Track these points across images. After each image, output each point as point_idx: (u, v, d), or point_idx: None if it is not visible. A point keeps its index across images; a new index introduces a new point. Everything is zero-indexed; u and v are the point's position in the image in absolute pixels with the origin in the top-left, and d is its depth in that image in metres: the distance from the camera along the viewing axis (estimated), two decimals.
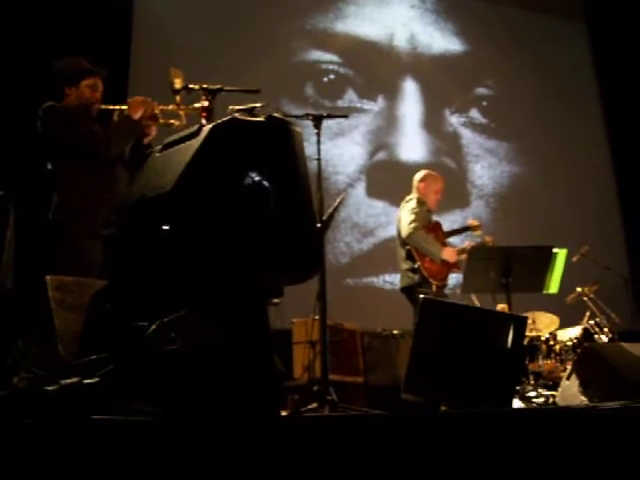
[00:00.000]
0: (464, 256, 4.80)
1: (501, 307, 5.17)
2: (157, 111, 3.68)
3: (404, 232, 4.94)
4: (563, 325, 5.95)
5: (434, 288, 4.87)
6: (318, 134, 3.67)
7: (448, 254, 4.92)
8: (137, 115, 3.61)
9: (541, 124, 8.45)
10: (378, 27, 8.11)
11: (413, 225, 4.89)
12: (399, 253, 5.09)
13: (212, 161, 2.03)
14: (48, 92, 3.69)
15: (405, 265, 5.00)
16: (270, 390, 2.02)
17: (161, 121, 3.71)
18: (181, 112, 3.67)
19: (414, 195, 5.20)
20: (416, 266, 4.90)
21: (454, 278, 5.18)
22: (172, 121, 3.70)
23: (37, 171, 3.79)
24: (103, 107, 3.71)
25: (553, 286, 4.79)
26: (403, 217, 5.02)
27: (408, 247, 4.96)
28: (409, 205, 5.07)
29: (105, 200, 3.50)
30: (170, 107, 3.69)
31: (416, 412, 2.96)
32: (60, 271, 3.09)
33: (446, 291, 5.08)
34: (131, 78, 6.44)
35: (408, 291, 4.97)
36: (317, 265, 2.75)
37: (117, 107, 3.69)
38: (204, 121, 3.60)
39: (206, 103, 3.57)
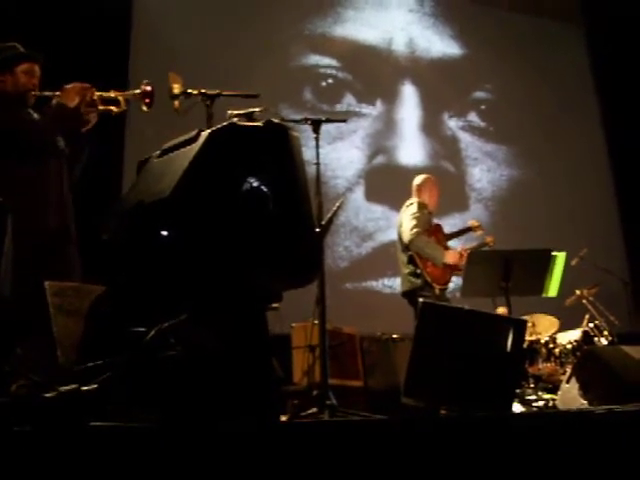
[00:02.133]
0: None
1: (501, 311, 5.17)
2: (95, 98, 3.49)
3: (406, 238, 4.93)
4: (563, 328, 5.95)
5: (437, 292, 4.87)
6: (317, 138, 3.67)
7: (450, 257, 4.91)
8: (72, 103, 3.41)
9: (539, 127, 8.46)
10: (376, 31, 8.12)
11: (415, 230, 4.88)
12: (400, 258, 5.08)
13: (211, 166, 2.03)
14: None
15: (407, 269, 4.99)
16: (269, 395, 2.02)
17: (100, 107, 3.52)
18: (120, 98, 3.53)
19: (415, 199, 5.20)
20: (418, 271, 4.89)
21: (453, 282, 5.18)
22: (111, 107, 3.54)
23: None
24: (38, 94, 3.48)
25: (552, 289, 4.79)
26: (405, 222, 5.01)
27: (410, 252, 4.95)
28: (410, 210, 5.05)
29: (34, 195, 3.33)
30: (110, 93, 3.54)
31: (416, 416, 2.96)
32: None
33: (447, 295, 5.08)
34: (130, 82, 6.44)
35: (410, 295, 4.96)
36: (316, 269, 2.76)
37: (56, 93, 3.48)
38: (145, 108, 3.51)
39: (149, 88, 3.50)
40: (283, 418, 2.82)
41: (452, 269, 4.99)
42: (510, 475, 1.85)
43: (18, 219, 3.26)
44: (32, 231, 3.27)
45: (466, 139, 8.24)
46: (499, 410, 2.95)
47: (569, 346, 5.55)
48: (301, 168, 2.15)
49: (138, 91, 3.52)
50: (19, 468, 1.34)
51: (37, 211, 3.35)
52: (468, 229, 5.57)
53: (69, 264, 3.40)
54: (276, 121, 2.18)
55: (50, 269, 3.06)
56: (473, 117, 8.34)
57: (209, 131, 2.10)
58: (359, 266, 7.18)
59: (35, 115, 3.49)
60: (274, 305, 2.76)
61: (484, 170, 8.24)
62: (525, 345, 5.30)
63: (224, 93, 3.48)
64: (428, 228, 5.06)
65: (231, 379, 1.87)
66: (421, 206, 5.08)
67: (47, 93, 3.53)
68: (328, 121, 3.82)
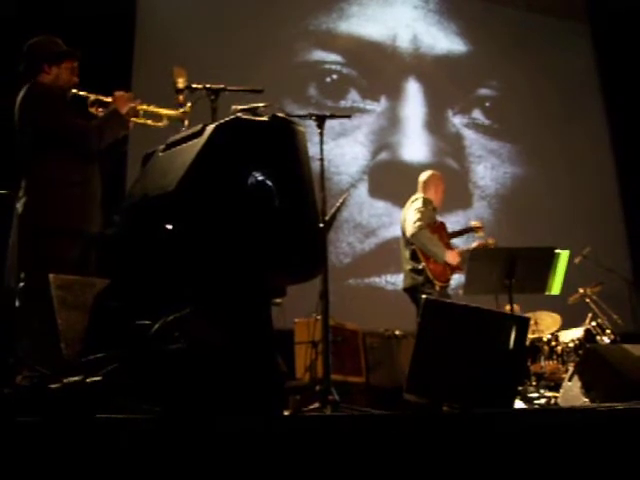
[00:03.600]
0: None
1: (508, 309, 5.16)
2: (139, 108, 3.65)
3: (409, 231, 4.93)
4: (565, 326, 5.95)
5: (437, 288, 4.87)
6: (321, 134, 3.67)
7: (451, 257, 4.92)
8: (124, 110, 3.55)
9: (544, 125, 8.44)
10: (381, 27, 8.11)
11: (418, 224, 4.88)
12: (403, 253, 5.09)
13: (216, 161, 2.03)
14: None
15: (409, 265, 5.00)
16: (272, 390, 2.02)
17: (141, 120, 3.67)
18: (164, 114, 3.66)
19: (420, 194, 5.20)
20: (420, 267, 4.90)
21: (456, 279, 5.18)
22: (149, 121, 3.68)
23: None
24: (79, 93, 3.59)
25: (555, 287, 4.79)
26: (409, 216, 5.02)
27: (413, 247, 4.96)
28: (415, 204, 5.06)
29: (81, 195, 3.42)
30: (151, 107, 3.68)
31: (418, 412, 2.96)
32: (34, 269, 3.06)
33: (448, 292, 5.08)
34: (134, 77, 6.44)
35: (411, 291, 4.96)
36: (320, 265, 2.76)
37: (91, 95, 3.60)
38: (186, 122, 3.60)
39: (182, 109, 3.58)
40: (286, 413, 2.82)
41: (453, 267, 5.00)
42: (512, 472, 1.85)
43: (66, 218, 3.32)
44: (78, 233, 3.34)
45: (470, 136, 8.23)
46: (501, 407, 2.95)
47: (571, 344, 5.56)
48: (306, 163, 2.15)
49: (182, 110, 3.62)
50: (24, 459, 1.35)
51: (85, 215, 3.45)
52: (470, 229, 5.58)
53: (92, 266, 3.45)
54: (282, 116, 2.18)
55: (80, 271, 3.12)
56: (477, 114, 8.33)
57: (214, 125, 2.10)
58: (362, 262, 7.18)
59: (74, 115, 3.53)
60: (277, 300, 2.76)
61: (488, 167, 8.23)
62: (527, 343, 5.30)
63: (228, 88, 3.48)
64: (432, 224, 5.06)
65: (235, 373, 1.87)
66: (426, 202, 5.09)
67: (84, 93, 3.61)
68: (332, 117, 3.82)
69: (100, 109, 3.61)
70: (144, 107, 3.67)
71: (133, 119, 3.64)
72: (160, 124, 3.68)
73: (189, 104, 3.59)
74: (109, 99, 3.60)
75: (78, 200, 3.41)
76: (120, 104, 3.55)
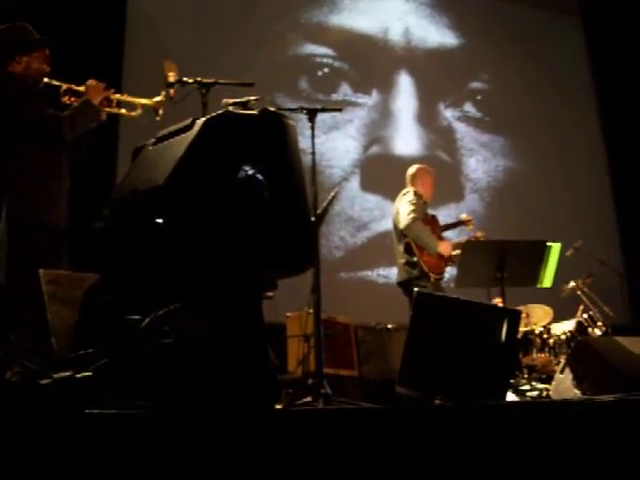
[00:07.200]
0: (459, 250, 4.81)
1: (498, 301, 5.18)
2: (112, 98, 3.59)
3: (402, 223, 4.93)
4: (557, 319, 5.97)
5: (432, 281, 4.88)
6: (312, 128, 3.65)
7: (444, 248, 4.93)
8: (97, 100, 3.47)
9: (536, 118, 8.45)
10: (372, 21, 8.09)
11: (412, 216, 4.88)
12: (396, 247, 5.08)
13: (206, 154, 2.02)
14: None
15: (403, 259, 4.99)
16: (264, 384, 2.02)
17: (115, 109, 3.61)
18: (136, 102, 3.62)
19: (410, 188, 5.20)
20: (414, 260, 4.90)
21: (448, 272, 5.19)
22: (123, 110, 3.64)
23: None
24: (52, 82, 3.50)
25: (547, 280, 4.79)
26: (401, 209, 5.02)
27: (406, 240, 4.96)
28: (407, 197, 5.06)
29: (54, 189, 3.37)
30: (124, 97, 3.63)
31: (410, 405, 2.97)
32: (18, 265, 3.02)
33: (442, 284, 5.09)
34: (125, 71, 6.41)
35: (405, 285, 4.96)
36: (311, 259, 2.76)
37: (64, 84, 3.52)
38: (160, 111, 3.58)
39: (158, 98, 3.57)
40: (278, 407, 2.82)
41: (446, 260, 5.01)
42: (504, 464, 1.86)
43: (41, 212, 3.26)
44: (48, 226, 3.29)
45: (462, 129, 8.23)
46: (493, 400, 2.96)
47: (563, 337, 5.58)
48: (297, 157, 2.15)
49: (158, 99, 3.58)
50: (13, 455, 1.34)
51: (55, 206, 3.37)
52: (460, 222, 5.59)
53: (64, 261, 3.40)
54: (272, 109, 2.17)
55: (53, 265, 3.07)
56: (469, 107, 8.33)
57: (204, 119, 2.09)
58: (354, 256, 7.18)
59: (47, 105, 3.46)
60: (269, 294, 2.75)
61: (480, 160, 8.24)
62: (519, 335, 5.31)
63: (219, 81, 3.47)
64: (423, 217, 5.06)
65: (226, 367, 1.87)
66: (417, 195, 5.09)
67: (54, 82, 3.52)
68: (324, 110, 3.81)
69: (73, 98, 3.51)
70: (117, 96, 3.60)
71: (106, 109, 3.56)
72: (134, 113, 3.63)
73: (163, 93, 3.56)
74: (81, 88, 3.51)
75: (51, 194, 3.34)
76: (93, 94, 3.47)
